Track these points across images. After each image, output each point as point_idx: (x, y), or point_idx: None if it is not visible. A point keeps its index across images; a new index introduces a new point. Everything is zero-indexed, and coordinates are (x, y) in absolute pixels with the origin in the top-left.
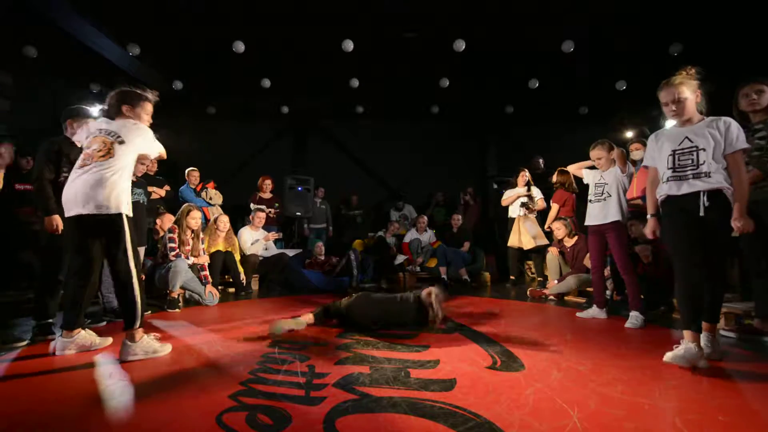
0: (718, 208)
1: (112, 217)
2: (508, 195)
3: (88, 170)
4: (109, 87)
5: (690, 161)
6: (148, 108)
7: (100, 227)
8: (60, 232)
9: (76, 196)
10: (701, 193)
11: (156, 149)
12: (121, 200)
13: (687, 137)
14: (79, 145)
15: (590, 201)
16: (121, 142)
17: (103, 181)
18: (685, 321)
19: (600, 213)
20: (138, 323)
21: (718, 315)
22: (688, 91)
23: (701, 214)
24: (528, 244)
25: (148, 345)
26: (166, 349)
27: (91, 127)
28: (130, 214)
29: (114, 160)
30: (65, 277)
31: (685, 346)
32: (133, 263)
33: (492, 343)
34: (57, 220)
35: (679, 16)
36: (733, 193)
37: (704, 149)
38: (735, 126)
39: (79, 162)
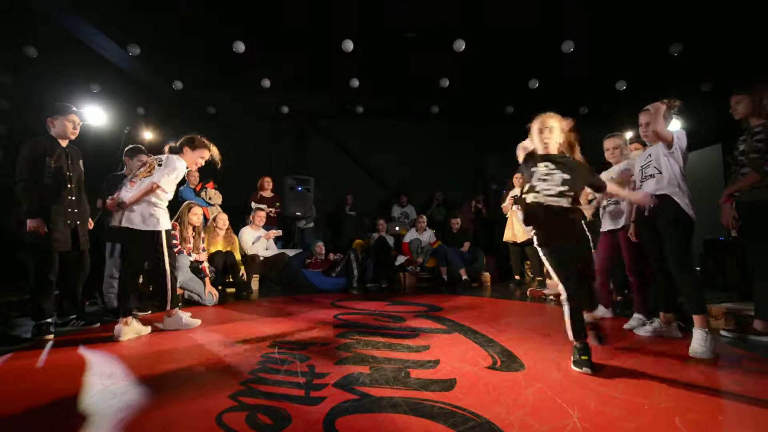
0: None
1: None
2: (508, 199)
3: None
4: (109, 87)
5: None
6: (205, 154)
7: None
8: (43, 234)
9: None
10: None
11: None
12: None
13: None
14: (63, 144)
15: (603, 207)
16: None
17: None
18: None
19: (611, 220)
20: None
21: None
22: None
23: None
24: (522, 235)
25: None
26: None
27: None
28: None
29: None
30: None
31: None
32: None
33: (492, 343)
34: (40, 222)
35: (679, 16)
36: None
37: None
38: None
39: None
